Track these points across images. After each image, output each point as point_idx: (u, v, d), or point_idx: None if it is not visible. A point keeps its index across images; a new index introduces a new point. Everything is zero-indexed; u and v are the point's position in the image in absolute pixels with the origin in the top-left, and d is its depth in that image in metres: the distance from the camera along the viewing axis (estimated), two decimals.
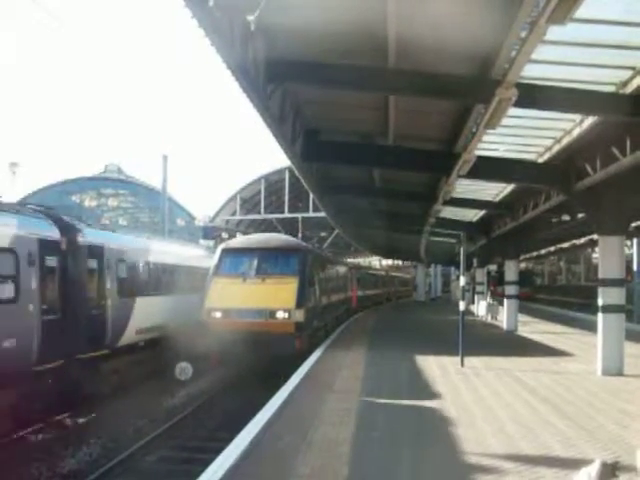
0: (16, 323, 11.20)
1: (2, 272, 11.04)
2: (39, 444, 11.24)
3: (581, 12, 6.76)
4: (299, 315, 16.28)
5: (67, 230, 13.37)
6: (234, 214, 47.92)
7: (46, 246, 12.33)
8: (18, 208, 12.98)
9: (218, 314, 16.23)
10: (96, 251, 14.41)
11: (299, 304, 16.42)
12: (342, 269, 30.43)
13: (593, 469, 2.63)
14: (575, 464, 2.63)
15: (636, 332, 20.60)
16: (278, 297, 16.43)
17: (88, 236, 14.15)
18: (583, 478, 2.61)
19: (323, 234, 51.53)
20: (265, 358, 15.14)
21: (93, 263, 14.30)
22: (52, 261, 12.55)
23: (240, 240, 22.06)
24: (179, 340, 15.47)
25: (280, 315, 16.12)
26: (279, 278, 17.02)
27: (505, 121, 10.48)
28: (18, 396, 11.09)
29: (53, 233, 12.80)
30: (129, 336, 15.79)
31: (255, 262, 17.34)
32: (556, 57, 9.29)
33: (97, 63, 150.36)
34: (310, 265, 18.38)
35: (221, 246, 19.25)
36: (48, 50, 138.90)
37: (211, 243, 37.61)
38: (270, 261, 17.60)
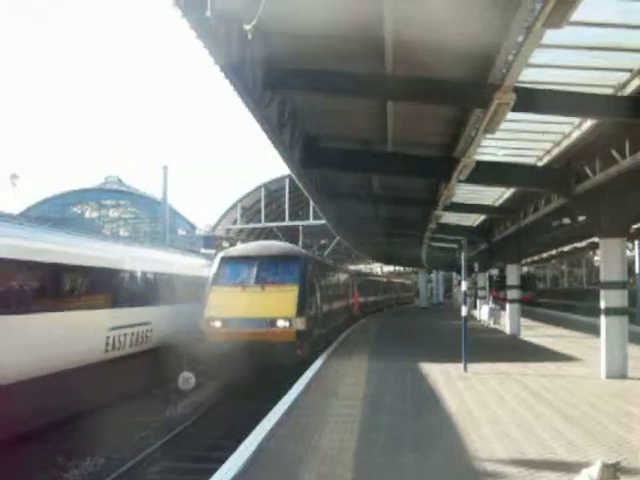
0: None
1: None
2: None
3: (577, 15, 6.76)
4: (300, 323, 16.09)
5: None
6: (235, 223, 47.96)
7: None
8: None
9: (218, 324, 16.05)
10: None
11: (300, 312, 16.23)
12: (343, 276, 30.31)
13: (594, 470, 2.59)
14: (579, 468, 2.62)
15: (639, 334, 20.49)
16: (278, 305, 16.23)
17: None
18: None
19: (324, 241, 51.46)
20: (267, 368, 15.03)
21: None
22: None
23: (239, 248, 21.83)
24: None
25: (281, 324, 15.91)
26: (279, 286, 16.83)
27: (504, 125, 10.49)
28: None
29: None
30: None
31: (254, 270, 17.16)
32: (553, 60, 9.28)
33: (97, 74, 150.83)
34: (310, 272, 18.23)
35: (220, 254, 19.08)
36: (48, 60, 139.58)
37: (212, 252, 37.53)
38: (270, 269, 17.41)
